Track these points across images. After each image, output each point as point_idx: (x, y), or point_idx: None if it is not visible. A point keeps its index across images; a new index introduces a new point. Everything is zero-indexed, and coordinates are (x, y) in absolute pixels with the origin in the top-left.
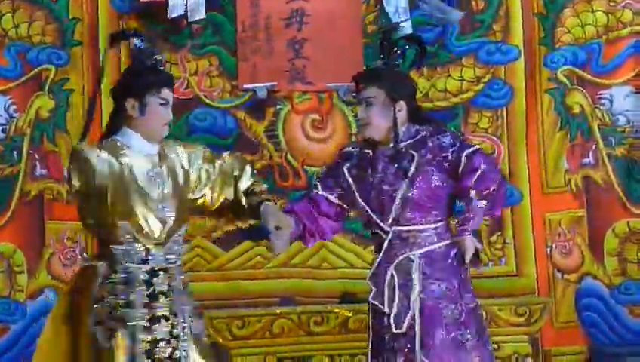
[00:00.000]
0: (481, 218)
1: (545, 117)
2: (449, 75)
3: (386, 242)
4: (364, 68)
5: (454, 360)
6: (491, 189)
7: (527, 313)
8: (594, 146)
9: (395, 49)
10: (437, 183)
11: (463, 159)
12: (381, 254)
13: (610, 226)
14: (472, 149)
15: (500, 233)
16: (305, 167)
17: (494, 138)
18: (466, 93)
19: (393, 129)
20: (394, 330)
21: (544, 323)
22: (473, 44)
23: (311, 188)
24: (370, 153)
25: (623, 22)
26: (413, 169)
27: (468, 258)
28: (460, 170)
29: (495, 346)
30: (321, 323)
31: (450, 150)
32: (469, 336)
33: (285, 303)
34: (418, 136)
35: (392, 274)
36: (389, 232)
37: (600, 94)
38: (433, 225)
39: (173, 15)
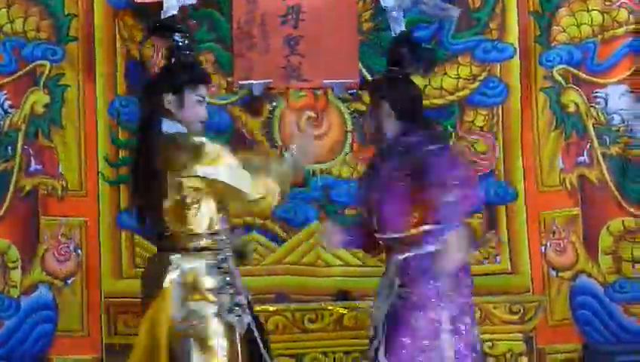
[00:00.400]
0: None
1: (540, 115)
2: (445, 73)
3: (384, 244)
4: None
5: None
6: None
7: (522, 311)
8: (589, 145)
9: (413, 58)
10: (419, 189)
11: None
12: (385, 255)
13: (605, 225)
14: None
15: (493, 231)
16: None
17: (489, 136)
18: (462, 91)
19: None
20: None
21: (539, 321)
22: (469, 42)
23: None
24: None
25: (619, 21)
26: (404, 174)
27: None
28: (439, 184)
29: (489, 344)
30: (315, 320)
31: (433, 162)
32: (431, 346)
33: (280, 300)
34: (408, 142)
35: (390, 276)
36: (380, 237)
37: (595, 93)
38: (413, 231)
39: (168, 15)
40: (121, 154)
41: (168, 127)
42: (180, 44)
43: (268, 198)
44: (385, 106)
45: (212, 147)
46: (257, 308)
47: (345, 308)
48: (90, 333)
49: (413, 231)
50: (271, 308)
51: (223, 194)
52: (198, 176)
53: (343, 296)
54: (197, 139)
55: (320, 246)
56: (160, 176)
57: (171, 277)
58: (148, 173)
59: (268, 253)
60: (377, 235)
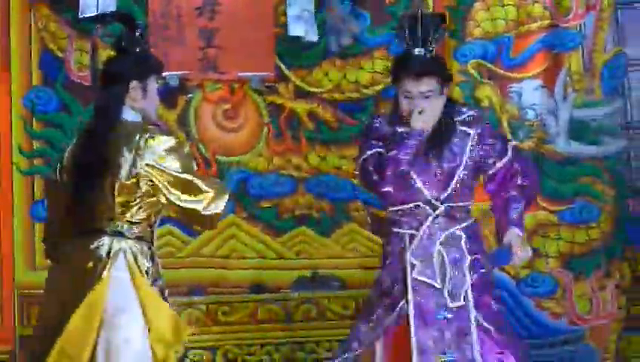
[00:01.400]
0: (522, 210)
1: None
2: (361, 67)
3: (431, 218)
4: (414, 59)
5: (504, 327)
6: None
7: None
8: None
9: (433, 34)
10: (482, 162)
11: (505, 162)
12: (423, 231)
13: None
14: (511, 148)
15: None
16: (216, 156)
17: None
18: (377, 85)
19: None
20: (449, 304)
21: None
22: (385, 36)
23: None
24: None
25: (533, 16)
26: (469, 146)
27: (516, 250)
28: (502, 168)
29: None
30: (229, 313)
31: (494, 141)
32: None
33: (194, 293)
34: (469, 115)
35: (439, 250)
36: (437, 208)
37: (509, 88)
38: (470, 202)
39: (85, 15)
40: (36, 145)
41: (128, 115)
42: (142, 33)
43: (217, 201)
44: (432, 83)
45: (168, 139)
46: (171, 300)
47: (259, 300)
48: (3, 325)
49: (471, 201)
50: (185, 301)
51: (175, 186)
52: (151, 166)
53: (257, 288)
54: (155, 130)
55: (235, 239)
56: (112, 162)
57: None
58: (99, 159)
59: (183, 246)
60: (439, 204)
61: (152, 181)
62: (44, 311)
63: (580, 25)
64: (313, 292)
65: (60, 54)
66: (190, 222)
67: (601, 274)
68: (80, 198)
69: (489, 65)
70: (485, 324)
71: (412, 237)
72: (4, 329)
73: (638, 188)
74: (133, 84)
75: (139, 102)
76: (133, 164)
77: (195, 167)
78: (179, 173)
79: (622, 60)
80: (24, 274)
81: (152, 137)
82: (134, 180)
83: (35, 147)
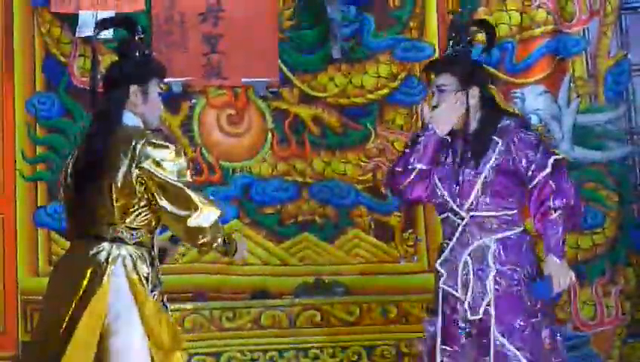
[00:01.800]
0: (561, 235)
1: None
2: (365, 72)
3: (461, 227)
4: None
5: (535, 347)
6: (570, 202)
7: None
8: None
9: (465, 35)
10: (514, 173)
11: (543, 176)
12: (454, 240)
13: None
14: (551, 163)
15: (412, 230)
16: (220, 161)
17: (409, 135)
18: (382, 90)
19: (466, 115)
20: (469, 317)
21: None
22: (389, 40)
23: None
24: (449, 138)
25: (537, 21)
26: (495, 155)
27: (556, 281)
28: (539, 184)
29: (406, 343)
30: (233, 319)
31: (533, 153)
32: (542, 324)
33: (197, 299)
34: (503, 125)
35: (465, 261)
36: (464, 218)
37: (512, 93)
38: (509, 212)
39: (82, 35)
40: (39, 150)
41: (128, 119)
42: (142, 37)
43: (206, 215)
44: (448, 78)
45: (166, 147)
46: (174, 306)
47: (263, 306)
48: (6, 331)
49: (511, 211)
50: (188, 307)
51: (167, 193)
52: (146, 170)
53: (261, 294)
54: (154, 136)
55: None
56: (111, 166)
57: (111, 268)
58: (98, 163)
59: (186, 252)
60: (464, 214)
61: (145, 186)
62: (44, 316)
63: (584, 30)
64: (316, 298)
65: (63, 59)
66: (177, 231)
67: (605, 280)
68: (80, 202)
69: (492, 70)
70: (507, 344)
71: (447, 245)
72: (7, 334)
73: None
74: (134, 88)
75: (139, 107)
76: (129, 169)
77: (190, 179)
78: (172, 180)
79: (626, 66)
80: (27, 280)
81: (150, 143)
82: (131, 185)
83: (38, 153)
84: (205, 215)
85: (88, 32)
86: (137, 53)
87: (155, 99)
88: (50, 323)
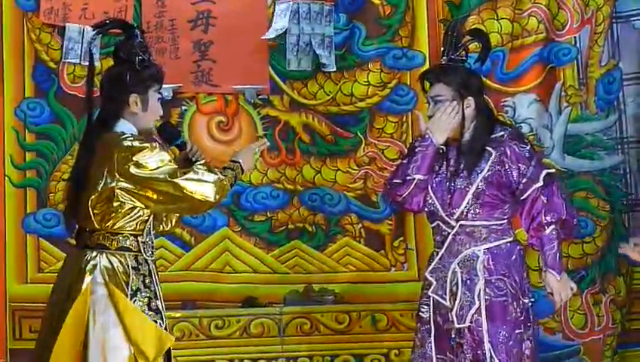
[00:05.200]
0: (558, 250)
1: None
2: (355, 80)
3: (450, 236)
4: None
5: (516, 357)
6: (562, 217)
7: None
8: None
9: (460, 44)
10: (506, 184)
11: (534, 190)
12: (444, 248)
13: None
14: (542, 177)
15: (402, 238)
16: None
17: (399, 143)
18: (372, 98)
19: (461, 125)
20: (456, 325)
21: None
22: (380, 49)
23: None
24: (444, 148)
25: (528, 30)
26: (488, 166)
27: (557, 297)
28: (530, 198)
29: (396, 351)
30: (222, 327)
31: (525, 166)
32: (524, 335)
33: (186, 307)
34: (496, 135)
35: (454, 270)
36: (454, 226)
37: (503, 102)
38: (499, 222)
39: (69, 61)
40: (28, 157)
41: (121, 126)
42: (141, 41)
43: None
44: (442, 88)
45: (140, 147)
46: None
47: (252, 314)
48: None
49: (501, 221)
50: (177, 315)
51: (155, 189)
52: (130, 175)
53: (250, 302)
54: (133, 139)
55: (228, 253)
56: (95, 175)
57: (90, 277)
58: (82, 171)
59: (175, 259)
60: (454, 223)
61: (132, 191)
62: (41, 326)
63: (575, 39)
64: (306, 306)
65: (53, 65)
66: (185, 211)
67: (596, 289)
68: (70, 208)
69: (483, 78)
70: (494, 355)
71: (437, 254)
72: None
73: (633, 203)
74: (134, 97)
75: (139, 115)
76: (108, 176)
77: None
78: (156, 175)
79: (617, 75)
80: (16, 287)
81: (127, 148)
82: (110, 192)
83: (27, 159)
84: (201, 188)
85: (74, 58)
86: (136, 59)
87: (154, 106)
88: (41, 333)
